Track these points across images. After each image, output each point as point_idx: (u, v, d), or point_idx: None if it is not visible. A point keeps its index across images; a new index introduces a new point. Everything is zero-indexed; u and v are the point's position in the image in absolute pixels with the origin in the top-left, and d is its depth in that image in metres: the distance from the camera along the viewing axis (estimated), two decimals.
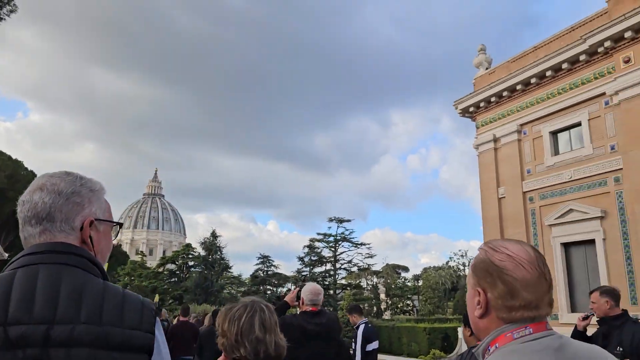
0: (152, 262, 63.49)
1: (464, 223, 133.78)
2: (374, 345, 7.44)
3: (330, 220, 56.44)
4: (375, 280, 66.28)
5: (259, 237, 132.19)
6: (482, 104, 18.90)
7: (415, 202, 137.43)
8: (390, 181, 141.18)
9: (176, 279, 50.50)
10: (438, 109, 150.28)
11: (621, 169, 14.34)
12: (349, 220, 57.39)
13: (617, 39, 14.40)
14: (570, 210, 15.57)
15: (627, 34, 14.07)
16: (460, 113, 19.83)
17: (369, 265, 58.96)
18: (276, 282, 58.17)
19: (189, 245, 52.15)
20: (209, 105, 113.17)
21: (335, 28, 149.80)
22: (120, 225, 1.68)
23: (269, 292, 56.33)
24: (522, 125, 17.55)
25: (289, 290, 57.45)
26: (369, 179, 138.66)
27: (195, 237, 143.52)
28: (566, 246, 15.89)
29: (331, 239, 56.95)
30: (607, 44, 14.61)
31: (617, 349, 4.65)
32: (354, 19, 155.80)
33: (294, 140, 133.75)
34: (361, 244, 58.33)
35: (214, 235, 50.72)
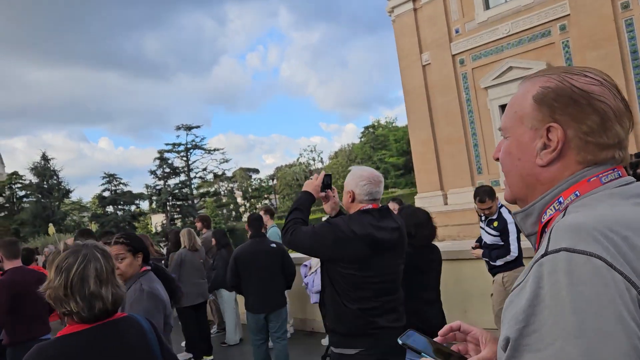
0: None
1: (305, 121, 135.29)
2: None
3: (178, 128, 53.86)
4: (230, 185, 66.51)
5: (93, 157, 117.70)
6: None
7: (259, 102, 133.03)
8: (232, 83, 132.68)
9: (6, 213, 42.54)
10: (275, 1, 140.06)
11: (568, 15, 13.32)
12: (198, 127, 55.86)
13: None
14: (510, 68, 14.46)
15: None
16: None
17: (224, 170, 57.63)
18: (126, 201, 53.86)
19: (15, 174, 43.66)
20: (6, 7, 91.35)
21: None
22: None
23: (120, 212, 51.79)
24: None
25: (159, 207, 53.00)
26: (210, 82, 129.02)
27: (17, 165, 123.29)
28: (504, 108, 15.00)
29: (182, 147, 54.63)
30: None
31: None
32: None
33: (121, 45, 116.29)
34: (215, 150, 56.59)
35: (45, 158, 43.56)
